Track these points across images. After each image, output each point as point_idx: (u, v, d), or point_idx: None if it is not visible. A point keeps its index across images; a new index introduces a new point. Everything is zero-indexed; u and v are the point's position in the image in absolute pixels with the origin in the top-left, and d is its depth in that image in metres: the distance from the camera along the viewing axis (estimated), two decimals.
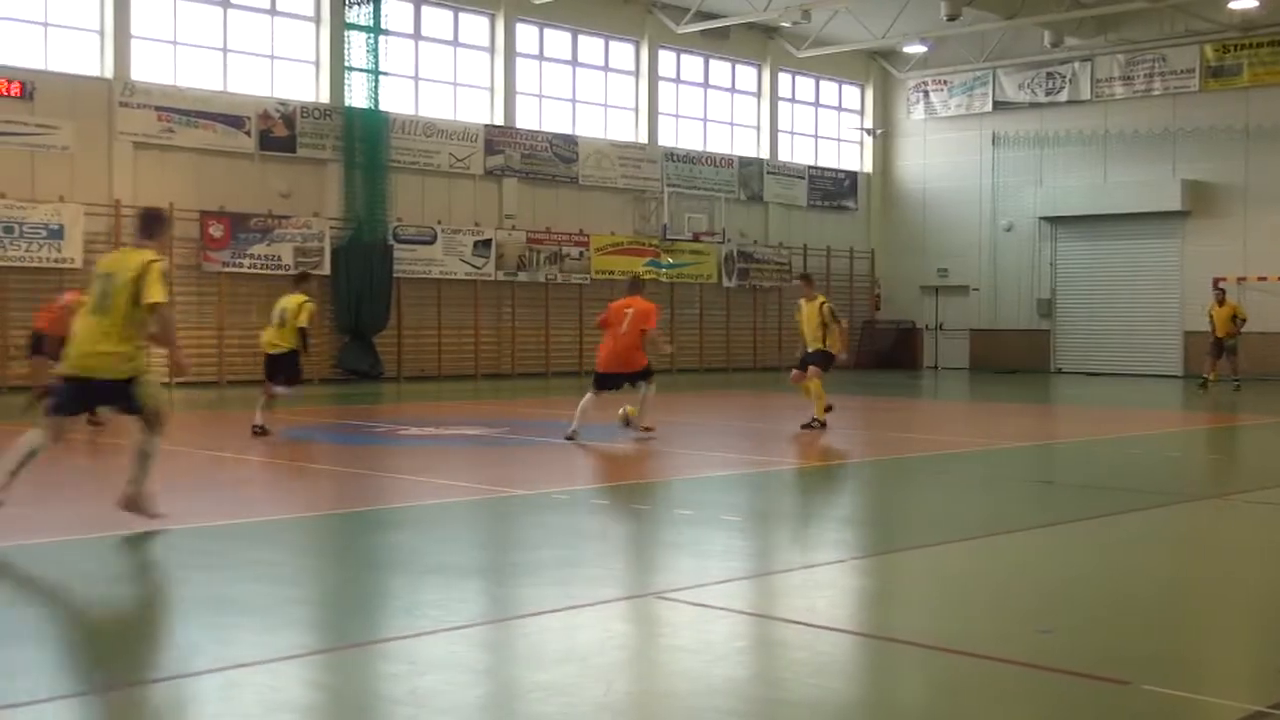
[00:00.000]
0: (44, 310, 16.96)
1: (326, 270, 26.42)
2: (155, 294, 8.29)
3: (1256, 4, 29.84)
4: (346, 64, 26.77)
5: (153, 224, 8.93)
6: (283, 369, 15.46)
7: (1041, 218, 35.08)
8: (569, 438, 14.33)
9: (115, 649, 5.88)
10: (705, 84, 34.42)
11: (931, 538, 8.88)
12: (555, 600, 6.72)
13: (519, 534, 9.18)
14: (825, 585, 7.39)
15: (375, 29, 26.89)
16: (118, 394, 8.48)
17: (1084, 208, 34.25)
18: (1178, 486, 12.18)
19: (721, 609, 6.63)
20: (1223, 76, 32.10)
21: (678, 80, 33.66)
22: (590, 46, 31.78)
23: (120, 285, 8.34)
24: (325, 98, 26.98)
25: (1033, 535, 9.18)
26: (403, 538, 8.78)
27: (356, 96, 26.85)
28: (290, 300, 15.56)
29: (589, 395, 14.75)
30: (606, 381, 14.92)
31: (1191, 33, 32.06)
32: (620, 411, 14.82)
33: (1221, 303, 26.68)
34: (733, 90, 35.07)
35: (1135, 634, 6.20)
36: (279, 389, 15.42)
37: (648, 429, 14.82)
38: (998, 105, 35.72)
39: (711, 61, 34.35)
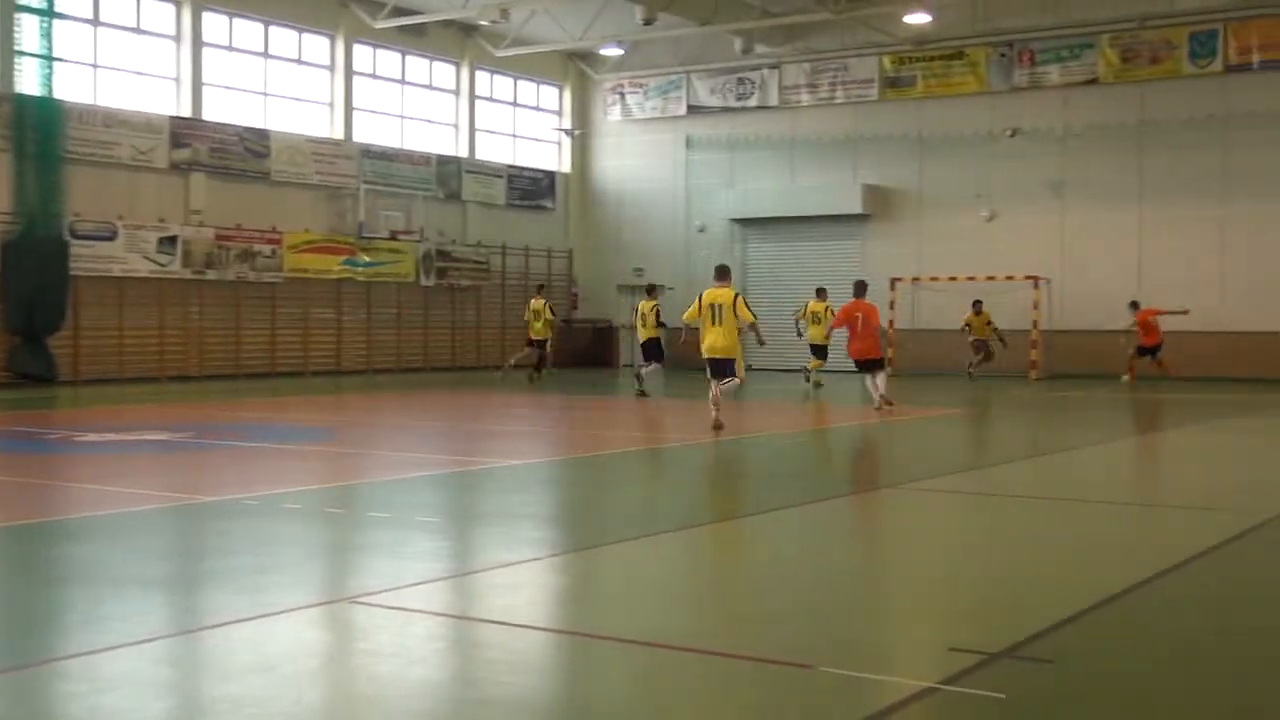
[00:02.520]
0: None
1: None
2: (747, 316, 16.08)
3: (929, 20, 31.62)
4: (16, 48, 25.20)
5: (725, 273, 16.77)
6: (652, 354, 24.38)
7: (733, 219, 36.15)
8: (879, 408, 19.27)
9: None
10: (403, 80, 34.00)
11: (628, 533, 9.03)
12: (246, 609, 6.53)
13: (208, 542, 8.86)
14: (524, 584, 7.42)
15: (49, 12, 25.42)
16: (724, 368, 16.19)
17: (773, 210, 35.41)
18: (854, 476, 12.77)
19: (419, 611, 6.58)
20: (899, 87, 33.79)
21: (374, 76, 33.13)
22: (283, 38, 30.94)
23: (727, 308, 16.00)
24: None
25: (724, 526, 9.46)
26: (82, 550, 8.34)
27: (28, 83, 25.32)
28: (643, 305, 24.65)
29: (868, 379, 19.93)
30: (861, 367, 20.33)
31: (871, 44, 33.63)
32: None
33: (979, 312, 29.69)
34: (431, 87, 34.78)
35: (820, 619, 6.49)
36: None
37: (888, 404, 19.49)
38: (692, 109, 36.63)
39: (409, 58, 33.97)
